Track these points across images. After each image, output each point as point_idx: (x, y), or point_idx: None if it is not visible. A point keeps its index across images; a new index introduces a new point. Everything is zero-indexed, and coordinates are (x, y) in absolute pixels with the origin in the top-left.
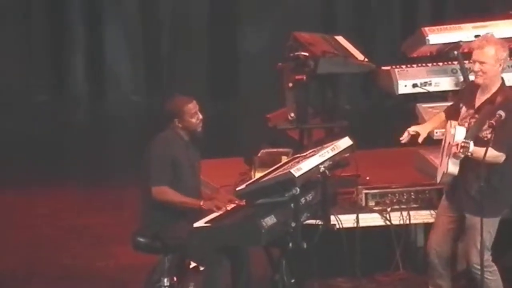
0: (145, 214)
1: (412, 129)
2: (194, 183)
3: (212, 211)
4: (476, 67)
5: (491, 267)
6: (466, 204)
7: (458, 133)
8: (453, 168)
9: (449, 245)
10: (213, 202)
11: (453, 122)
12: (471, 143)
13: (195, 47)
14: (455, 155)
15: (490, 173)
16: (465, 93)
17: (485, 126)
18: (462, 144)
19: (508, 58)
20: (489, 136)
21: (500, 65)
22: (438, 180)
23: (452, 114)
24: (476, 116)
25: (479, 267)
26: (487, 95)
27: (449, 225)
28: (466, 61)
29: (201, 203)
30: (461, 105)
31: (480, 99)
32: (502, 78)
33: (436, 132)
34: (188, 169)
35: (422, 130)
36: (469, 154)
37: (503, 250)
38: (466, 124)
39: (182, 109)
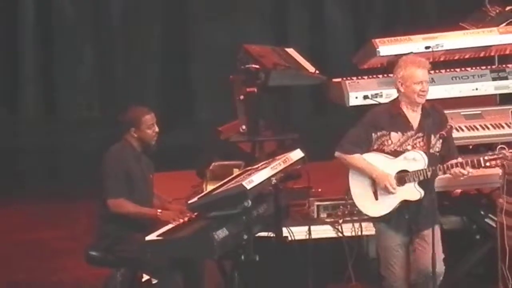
0: (99, 227)
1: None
2: (147, 195)
3: (168, 222)
4: (426, 87)
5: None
6: (422, 220)
7: (421, 158)
8: (421, 191)
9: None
10: (170, 212)
11: (412, 152)
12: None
13: (148, 63)
14: (457, 176)
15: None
16: (385, 120)
17: (434, 141)
18: (459, 165)
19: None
20: (439, 148)
21: None
22: (382, 213)
23: (368, 149)
24: (419, 135)
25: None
26: (419, 112)
27: (404, 252)
28: None
29: (158, 212)
30: (383, 132)
31: (415, 118)
32: None
33: None
34: (141, 181)
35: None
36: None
37: (455, 259)
38: (410, 147)
39: (140, 119)
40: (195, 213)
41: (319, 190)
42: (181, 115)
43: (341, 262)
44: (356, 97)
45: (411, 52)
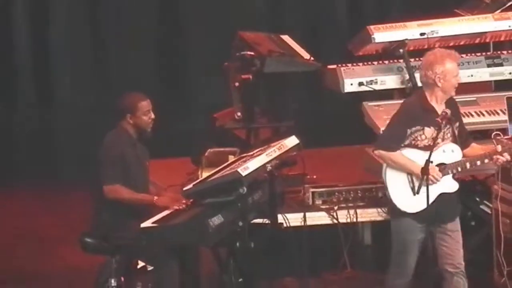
0: (94, 214)
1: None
2: (143, 181)
3: (165, 208)
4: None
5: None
6: (449, 212)
7: (458, 150)
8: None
9: None
10: (166, 198)
11: (450, 144)
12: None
13: (143, 48)
14: (498, 163)
15: None
16: (420, 115)
17: (455, 130)
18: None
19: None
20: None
21: None
22: (421, 208)
23: (401, 145)
24: (447, 126)
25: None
26: (443, 104)
27: (418, 250)
28: (412, 59)
29: (155, 198)
30: (417, 128)
31: (441, 110)
32: None
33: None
34: (137, 168)
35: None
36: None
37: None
38: (440, 140)
39: (136, 105)
40: (191, 200)
41: (314, 176)
42: (177, 102)
43: (336, 249)
44: (351, 84)
45: (406, 39)
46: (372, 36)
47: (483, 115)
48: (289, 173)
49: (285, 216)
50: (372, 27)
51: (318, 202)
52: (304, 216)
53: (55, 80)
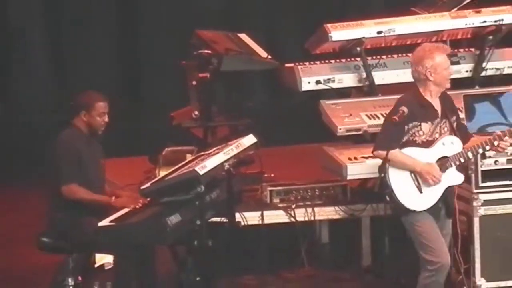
0: (51, 214)
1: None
2: (98, 180)
3: (121, 209)
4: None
5: None
6: (453, 205)
7: (457, 141)
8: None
9: None
10: (123, 199)
11: (448, 137)
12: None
13: (99, 46)
14: (502, 150)
15: None
16: (417, 111)
17: (453, 123)
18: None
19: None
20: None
21: None
22: (429, 205)
23: (399, 142)
24: (444, 120)
25: None
26: (437, 98)
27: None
28: (369, 58)
29: (112, 199)
30: (414, 123)
31: (437, 105)
32: None
33: (340, 128)
34: (92, 166)
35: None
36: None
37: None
38: (437, 135)
39: (93, 104)
40: (148, 199)
41: (272, 175)
42: (134, 100)
43: (294, 247)
44: (309, 82)
45: (363, 38)
46: (329, 34)
47: None
48: (247, 172)
49: (243, 215)
50: (329, 25)
51: (276, 200)
52: (262, 215)
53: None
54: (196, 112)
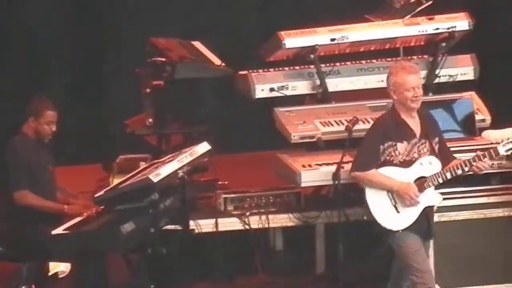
0: (3, 222)
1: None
2: (49, 186)
3: (74, 216)
4: (418, 92)
5: None
6: (432, 229)
7: (436, 161)
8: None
9: None
10: (76, 207)
11: (426, 157)
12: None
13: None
14: (480, 171)
15: None
16: (392, 130)
17: (434, 144)
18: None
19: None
20: (437, 150)
21: None
22: (407, 225)
23: (377, 163)
24: (423, 141)
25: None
26: (417, 117)
27: None
28: (323, 65)
29: (65, 207)
30: (390, 143)
31: (415, 124)
32: None
33: (294, 136)
34: (42, 173)
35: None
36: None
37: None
38: (416, 155)
39: (43, 112)
40: (102, 207)
41: (226, 182)
42: (88, 108)
43: (249, 254)
44: (262, 90)
45: (316, 45)
46: (283, 41)
47: None
48: (201, 179)
49: (197, 222)
50: (283, 32)
51: (230, 208)
52: (216, 222)
53: None
54: (150, 120)
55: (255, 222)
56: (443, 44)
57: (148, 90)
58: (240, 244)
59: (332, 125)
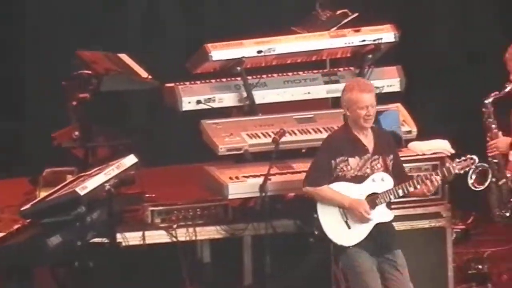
0: None
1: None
2: None
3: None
4: (371, 111)
5: None
6: (389, 241)
7: (388, 178)
8: (391, 212)
9: None
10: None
11: (379, 173)
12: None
13: None
14: (428, 189)
15: None
16: (343, 145)
17: (388, 161)
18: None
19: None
20: (391, 168)
21: None
22: (357, 241)
23: (330, 178)
24: (376, 157)
25: None
26: (371, 134)
27: (377, 273)
28: (249, 77)
29: None
30: (342, 158)
31: (368, 140)
32: None
33: (221, 148)
34: None
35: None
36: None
37: (289, 263)
38: (369, 170)
39: None
40: (28, 220)
41: (153, 195)
42: (14, 121)
43: (176, 267)
44: (189, 102)
45: (243, 57)
46: (210, 54)
47: (321, 132)
48: (128, 192)
49: (124, 235)
50: (209, 45)
51: (157, 220)
52: (143, 235)
53: None
54: (77, 133)
55: (182, 234)
56: (370, 56)
57: (74, 103)
58: (168, 257)
59: (259, 137)
